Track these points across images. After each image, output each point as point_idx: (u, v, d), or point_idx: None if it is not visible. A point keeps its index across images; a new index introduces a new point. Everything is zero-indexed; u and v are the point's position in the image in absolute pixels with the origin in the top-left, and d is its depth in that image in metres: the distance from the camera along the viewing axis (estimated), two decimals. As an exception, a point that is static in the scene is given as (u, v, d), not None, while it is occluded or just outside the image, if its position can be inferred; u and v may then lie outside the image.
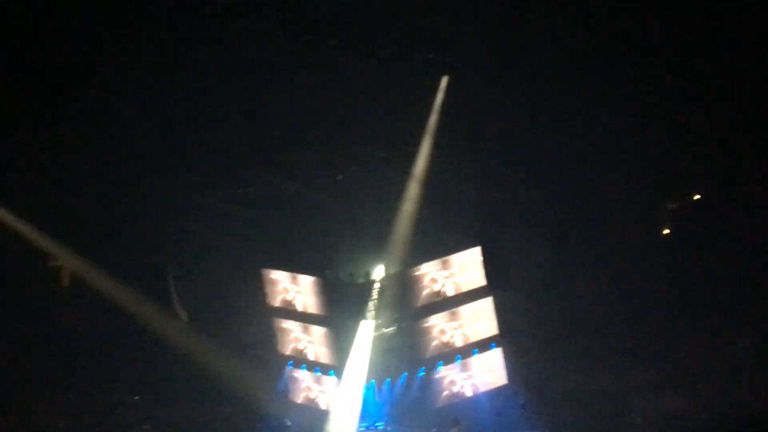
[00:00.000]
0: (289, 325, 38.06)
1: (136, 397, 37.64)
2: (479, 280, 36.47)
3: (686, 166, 34.73)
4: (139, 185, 35.55)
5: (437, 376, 37.01)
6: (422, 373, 36.95)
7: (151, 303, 36.86)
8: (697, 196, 35.91)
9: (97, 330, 37.89)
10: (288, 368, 38.36)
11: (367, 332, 36.26)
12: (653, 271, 35.88)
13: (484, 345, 36.90)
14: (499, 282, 36.51)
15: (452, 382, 37.15)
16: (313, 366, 37.81)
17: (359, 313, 36.29)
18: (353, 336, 36.21)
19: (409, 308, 36.82)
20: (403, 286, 36.60)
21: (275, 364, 38.34)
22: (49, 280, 37.00)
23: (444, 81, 34.10)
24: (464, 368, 36.98)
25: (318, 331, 37.47)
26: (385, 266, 36.47)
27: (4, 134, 32.72)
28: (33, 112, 32.10)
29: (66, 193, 34.75)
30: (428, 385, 37.03)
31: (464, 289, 36.60)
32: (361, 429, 35.90)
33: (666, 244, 36.15)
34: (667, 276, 35.75)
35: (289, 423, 36.63)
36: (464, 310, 36.74)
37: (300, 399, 38.35)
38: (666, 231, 36.22)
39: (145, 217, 36.55)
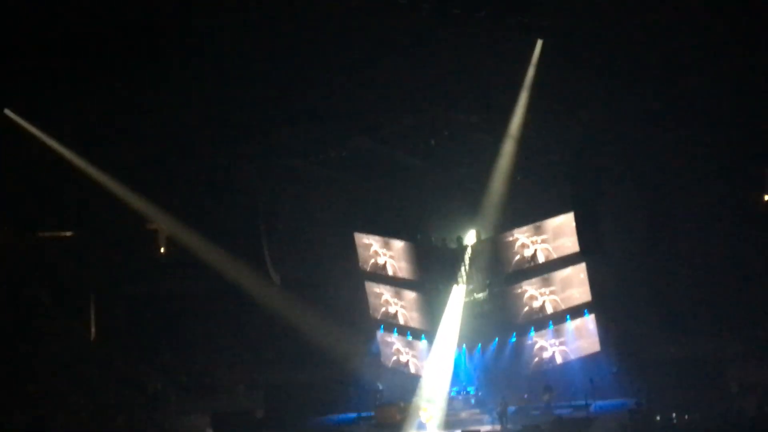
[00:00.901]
0: (381, 289, 38.34)
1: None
2: (572, 246, 36.12)
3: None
4: (235, 149, 35.98)
5: (529, 342, 36.98)
6: (514, 339, 36.96)
7: (246, 266, 37.45)
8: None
9: (193, 293, 38.69)
10: (380, 332, 38.71)
11: (458, 297, 36.32)
12: (753, 239, 35.22)
13: (576, 311, 36.65)
14: (592, 248, 36.14)
15: (544, 349, 37.04)
16: (404, 330, 38.08)
17: (451, 278, 36.34)
18: (445, 301, 36.33)
19: (501, 274, 36.75)
20: (495, 251, 36.54)
21: (367, 328, 38.72)
22: (148, 243, 37.98)
23: (539, 44, 33.65)
24: (556, 334, 36.82)
25: (409, 296, 37.65)
26: (477, 231, 36.44)
27: (106, 101, 33.32)
28: (135, 79, 32.60)
29: (163, 158, 35.32)
30: (520, 351, 37.04)
31: (557, 255, 36.34)
32: (452, 393, 36.04)
33: (760, 218, 35.45)
34: (760, 246, 35.06)
35: (380, 386, 36.92)
36: (557, 276, 36.51)
37: (391, 363, 38.68)
38: (766, 197, 35.60)
39: (241, 181, 37.05)
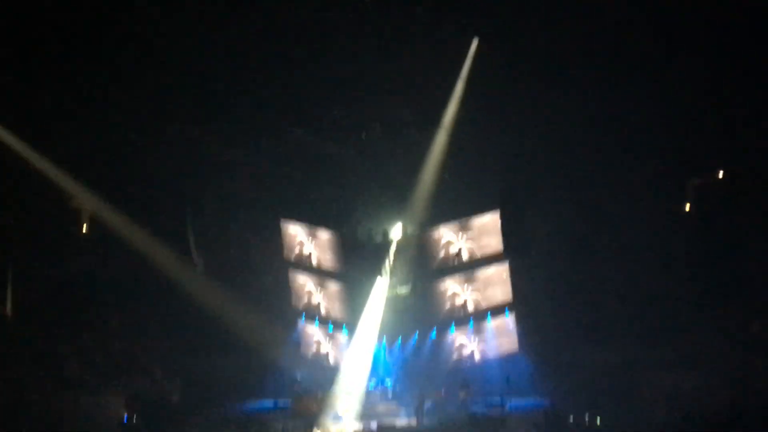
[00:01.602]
0: (305, 279, 38.26)
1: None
2: (497, 245, 36.51)
3: (712, 143, 34.55)
4: (165, 133, 35.56)
5: (449, 338, 37.27)
6: (434, 335, 37.20)
7: (169, 250, 37.08)
8: (720, 174, 35.81)
9: (113, 274, 38.11)
10: (301, 322, 38.63)
11: (381, 291, 36.46)
12: (673, 248, 35.85)
13: (498, 310, 37.07)
14: (516, 248, 36.57)
15: (463, 346, 37.36)
16: (325, 321, 38.07)
17: (375, 271, 36.45)
18: (367, 294, 36.43)
19: (425, 269, 36.96)
20: (420, 247, 36.73)
21: (288, 318, 38.60)
22: (71, 222, 37.36)
23: (474, 42, 33.87)
24: (476, 332, 37.16)
25: (332, 287, 37.65)
26: (404, 226, 36.55)
27: (32, 75, 32.70)
28: (65, 54, 32.09)
29: (93, 136, 34.75)
30: (439, 347, 37.30)
31: (481, 253, 36.69)
32: (370, 386, 36.12)
33: (687, 221, 36.09)
34: (686, 253, 35.73)
35: (299, 376, 36.86)
36: (480, 274, 36.87)
37: (311, 353, 38.63)
38: (688, 208, 36.20)
39: (168, 164, 36.61)
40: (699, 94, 33.54)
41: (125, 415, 33.85)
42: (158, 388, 36.25)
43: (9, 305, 37.08)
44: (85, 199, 36.41)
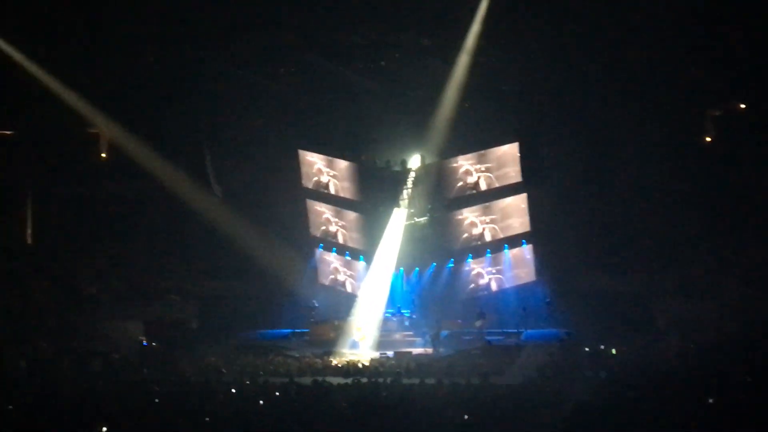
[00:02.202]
0: (322, 208, 38.35)
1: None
2: (515, 175, 36.47)
3: (732, 74, 34.16)
4: (183, 57, 35.38)
5: (466, 268, 37.38)
6: (451, 265, 37.30)
7: (187, 176, 37.19)
8: (742, 106, 35.48)
9: (132, 198, 38.30)
10: (318, 250, 38.81)
11: (399, 220, 36.43)
12: (690, 178, 35.70)
13: (515, 241, 37.15)
14: (534, 179, 36.50)
15: (480, 276, 37.49)
16: (343, 250, 38.23)
17: (393, 200, 36.41)
18: (385, 223, 36.43)
19: (443, 199, 36.95)
20: (438, 176, 36.65)
21: (306, 246, 38.77)
22: (89, 145, 37.45)
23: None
24: (493, 262, 37.25)
25: (350, 216, 37.72)
26: (422, 156, 36.44)
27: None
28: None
29: (108, 60, 34.61)
30: (456, 277, 37.42)
31: (499, 183, 36.65)
32: (387, 314, 36.35)
33: (705, 152, 35.88)
34: (703, 183, 35.58)
35: (316, 304, 37.11)
36: (498, 204, 36.87)
37: (328, 281, 38.89)
38: (707, 138, 35.95)
39: (187, 90, 36.52)
40: (718, 23, 33.01)
41: (143, 340, 34.22)
42: (177, 313, 36.64)
43: (29, 227, 37.41)
44: (104, 124, 36.47)
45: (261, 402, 21.71)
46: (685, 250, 35.70)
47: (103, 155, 37.78)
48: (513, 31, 34.76)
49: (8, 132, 37.27)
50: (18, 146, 37.23)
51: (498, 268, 37.32)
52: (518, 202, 36.83)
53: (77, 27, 33.75)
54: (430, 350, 33.64)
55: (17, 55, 34.11)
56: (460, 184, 36.69)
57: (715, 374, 24.99)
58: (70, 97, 35.04)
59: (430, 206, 36.87)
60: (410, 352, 33.34)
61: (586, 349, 31.42)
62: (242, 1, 33.22)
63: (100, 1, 33.04)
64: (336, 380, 28.43)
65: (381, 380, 27.66)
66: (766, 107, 34.53)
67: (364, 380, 27.81)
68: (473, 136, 36.51)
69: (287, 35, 34.87)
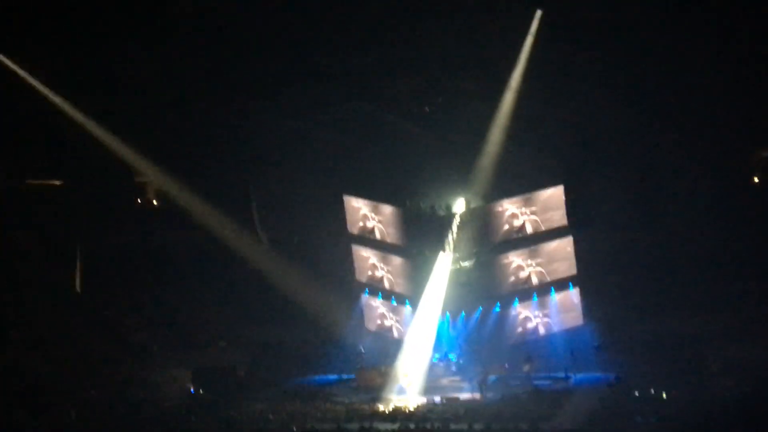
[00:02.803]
0: (368, 253, 38.43)
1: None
2: (561, 219, 36.36)
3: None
4: (229, 107, 35.82)
5: (513, 312, 37.17)
6: (498, 309, 37.11)
7: (235, 224, 37.48)
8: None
9: (180, 247, 38.68)
10: (364, 296, 38.82)
11: (444, 265, 36.36)
12: (741, 218, 35.31)
13: (561, 284, 36.93)
14: (580, 222, 36.34)
15: (527, 320, 37.25)
16: (389, 295, 38.21)
17: (438, 245, 36.34)
18: (431, 268, 36.36)
19: (488, 243, 36.82)
20: (483, 220, 36.58)
21: (352, 291, 38.81)
22: (137, 195, 37.95)
23: (538, 15, 33.56)
24: (540, 306, 37.03)
25: (396, 261, 37.75)
26: (467, 200, 36.41)
27: (104, 50, 33.11)
28: (134, 29, 32.40)
29: (160, 112, 35.15)
30: (503, 321, 37.19)
31: (545, 227, 36.51)
32: (434, 360, 36.17)
33: (755, 193, 35.54)
34: (754, 223, 35.17)
35: (362, 350, 37.08)
36: (544, 248, 36.71)
37: (374, 327, 38.84)
38: (756, 179, 35.63)
39: (233, 139, 36.98)
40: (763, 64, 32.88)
41: (191, 388, 34.34)
42: (224, 360, 36.74)
43: (78, 277, 37.82)
44: (152, 173, 36.97)
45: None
46: (736, 293, 35.20)
47: (152, 204, 38.29)
48: (557, 73, 34.84)
49: (58, 182, 37.87)
50: (67, 196, 37.79)
51: (545, 311, 37.09)
52: (564, 245, 36.66)
53: (126, 77, 34.32)
54: (477, 395, 33.37)
55: (66, 106, 34.76)
56: (506, 227, 36.60)
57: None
58: (118, 146, 35.62)
59: (475, 250, 36.79)
60: (458, 398, 33.11)
61: (636, 393, 31.12)
62: (288, 52, 33.62)
63: (148, 56, 33.52)
64: (383, 426, 28.49)
65: (429, 426, 27.59)
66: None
67: (412, 426, 27.76)
68: (518, 179, 36.47)
69: (332, 83, 35.19)
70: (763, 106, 33.70)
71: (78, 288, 37.97)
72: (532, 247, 36.79)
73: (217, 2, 31.84)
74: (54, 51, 33.18)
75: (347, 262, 38.74)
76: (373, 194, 37.68)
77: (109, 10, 32.29)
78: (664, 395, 30.49)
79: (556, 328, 37.10)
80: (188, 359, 35.99)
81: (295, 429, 25.80)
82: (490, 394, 33.15)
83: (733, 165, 35.81)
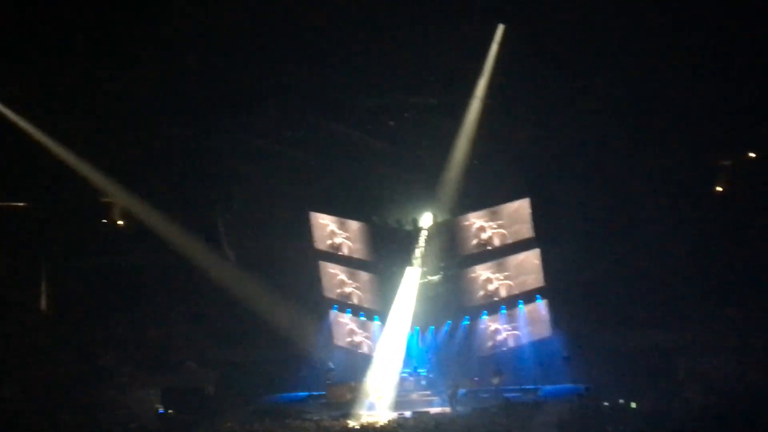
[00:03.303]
0: (335, 269, 38.36)
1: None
2: (527, 231, 36.47)
3: (742, 124, 34.31)
4: (193, 126, 35.76)
5: (481, 325, 37.23)
6: (466, 322, 37.17)
7: (201, 242, 37.34)
8: (752, 154, 35.57)
9: (147, 267, 38.48)
10: (333, 312, 38.74)
11: (412, 279, 36.39)
12: (706, 229, 35.63)
13: (529, 297, 37.03)
14: (547, 234, 36.49)
15: (496, 332, 37.32)
16: (357, 311, 38.17)
17: (405, 259, 36.40)
18: (399, 282, 36.39)
19: (456, 257, 36.90)
20: (450, 234, 36.65)
21: (320, 308, 38.72)
22: (103, 215, 37.71)
23: (500, 29, 33.79)
24: (509, 319, 37.12)
25: (364, 276, 37.73)
26: (434, 214, 36.48)
27: (64, 68, 32.91)
28: (95, 49, 32.25)
29: (123, 131, 35.02)
30: (472, 335, 37.25)
31: (511, 240, 36.63)
32: (404, 374, 36.10)
33: (720, 203, 35.88)
34: (720, 234, 35.50)
35: (332, 366, 36.94)
36: (511, 261, 36.81)
37: (343, 343, 38.75)
38: (720, 189, 35.98)
39: (200, 157, 36.89)
40: (729, 75, 33.26)
41: (161, 408, 34.15)
42: (193, 379, 36.58)
43: (44, 299, 37.51)
44: (116, 192, 36.76)
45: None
46: (704, 304, 35.44)
47: (118, 224, 38.08)
48: (521, 87, 35.01)
49: (21, 204, 37.58)
50: (31, 218, 37.49)
51: (513, 324, 37.18)
52: (531, 258, 36.75)
53: (89, 98, 34.15)
54: (447, 409, 33.44)
55: (29, 127, 34.51)
56: (473, 241, 36.69)
57: (738, 427, 24.92)
58: (82, 167, 35.40)
59: (443, 264, 36.84)
60: (428, 412, 33.14)
61: (606, 403, 31.30)
62: (251, 69, 33.58)
63: (112, 74, 33.38)
64: (354, 442, 28.50)
65: (399, 441, 27.64)
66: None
67: (382, 441, 27.81)
68: (484, 192, 36.57)
69: (295, 99, 35.22)
70: (724, 116, 34.10)
71: (44, 309, 37.68)
72: (500, 260, 36.86)
73: (179, 21, 31.70)
74: (14, 70, 32.90)
75: (315, 278, 38.63)
76: (340, 210, 37.64)
77: (71, 28, 32.10)
78: (633, 405, 30.72)
79: (525, 340, 37.13)
80: (157, 380, 35.83)
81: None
82: (460, 408, 33.19)
83: (698, 175, 36.09)
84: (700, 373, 32.72)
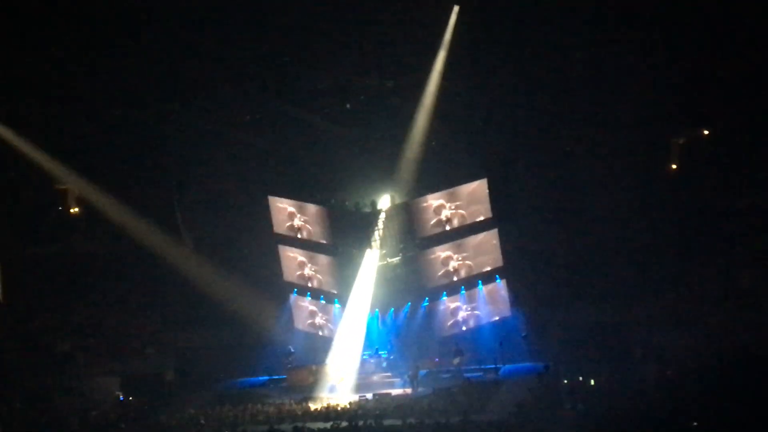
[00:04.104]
0: (295, 253, 38.28)
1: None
2: (485, 212, 36.59)
3: (696, 101, 34.61)
4: (148, 109, 35.48)
5: (441, 306, 37.35)
6: (426, 303, 37.25)
7: (158, 228, 37.11)
8: (705, 132, 35.89)
9: (103, 253, 38.21)
10: (293, 296, 38.69)
11: (371, 261, 36.42)
12: (659, 206, 35.95)
13: (488, 277, 37.17)
14: (504, 214, 36.65)
15: (456, 313, 37.46)
16: (317, 294, 38.13)
17: (364, 242, 36.38)
18: (358, 265, 36.40)
19: (415, 239, 36.92)
20: (408, 216, 36.66)
21: (280, 292, 38.64)
22: (57, 203, 37.35)
23: (455, 10, 33.81)
24: (468, 299, 37.26)
25: (323, 260, 37.69)
26: (392, 196, 36.52)
27: (18, 52, 32.50)
28: (48, 31, 31.86)
29: (74, 116, 34.67)
30: (432, 316, 37.36)
31: (470, 220, 36.75)
32: (364, 357, 36.22)
33: (673, 179, 36.21)
34: (673, 211, 35.84)
35: (292, 349, 36.91)
36: (470, 241, 36.92)
37: (304, 326, 38.72)
38: (674, 165, 36.30)
39: (154, 141, 36.65)
40: (685, 52, 33.53)
41: (120, 395, 34.02)
42: (152, 366, 36.43)
43: (0, 287, 37.14)
44: (71, 179, 36.42)
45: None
46: (659, 279, 35.81)
47: (73, 211, 37.72)
48: (475, 69, 35.16)
49: (-25, 192, 37.18)
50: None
51: (473, 304, 37.34)
52: (490, 238, 36.92)
53: (40, 83, 33.77)
54: (409, 390, 33.55)
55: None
56: (432, 222, 36.74)
57: (693, 401, 25.21)
58: (35, 154, 35.00)
59: (402, 246, 36.86)
60: (389, 393, 33.27)
61: (565, 381, 31.53)
62: (207, 53, 33.34)
63: (63, 57, 33.00)
64: (316, 425, 28.53)
65: (361, 423, 27.67)
66: (728, 132, 34.98)
67: (345, 424, 27.81)
68: (442, 174, 36.65)
69: (251, 84, 35.04)
70: (678, 94, 34.36)
71: (0, 298, 37.31)
72: (458, 241, 36.96)
73: (132, 5, 31.38)
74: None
75: (275, 262, 38.55)
76: (298, 194, 37.55)
77: (24, 12, 31.70)
78: (592, 382, 31.00)
79: (484, 320, 37.35)
80: (115, 367, 35.68)
81: (227, 432, 25.71)
82: (421, 389, 33.33)
83: (650, 153, 36.35)
84: (654, 349, 33.06)
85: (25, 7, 31.25)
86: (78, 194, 37.27)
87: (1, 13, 31.47)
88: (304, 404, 32.25)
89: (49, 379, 34.33)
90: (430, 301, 37.24)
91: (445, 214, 36.62)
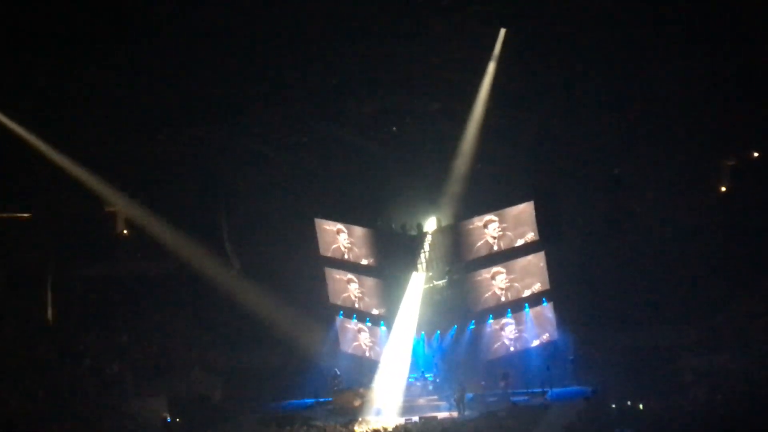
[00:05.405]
0: (341, 275, 38.38)
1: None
2: (532, 234, 36.45)
3: (746, 123, 34.27)
4: (197, 131, 35.79)
5: (487, 329, 37.19)
6: (472, 326, 37.15)
7: (205, 250, 37.37)
8: (755, 154, 35.53)
9: (151, 275, 38.58)
10: (339, 318, 38.76)
11: (418, 284, 36.41)
12: (709, 229, 35.62)
13: (535, 300, 37.01)
14: (552, 237, 36.47)
15: (502, 336, 37.29)
16: (363, 316, 38.16)
17: (410, 264, 36.35)
18: (404, 287, 36.41)
19: (461, 261, 36.87)
20: (455, 238, 36.62)
21: (326, 314, 38.73)
22: (106, 224, 37.77)
23: (502, 33, 33.75)
24: (515, 322, 37.09)
25: (369, 282, 37.73)
26: (438, 218, 36.49)
27: (67, 79, 32.95)
28: (95, 57, 32.22)
29: (125, 140, 35.09)
30: (478, 338, 37.23)
31: (516, 243, 36.61)
32: (410, 379, 36.14)
33: (723, 202, 35.85)
34: (722, 233, 35.48)
35: (338, 372, 36.91)
36: (516, 264, 36.79)
37: (350, 348, 38.76)
38: (723, 189, 35.96)
39: (203, 164, 36.98)
40: (733, 74, 33.20)
41: (167, 416, 34.13)
42: (199, 387, 36.58)
43: (50, 309, 37.56)
44: (121, 201, 36.85)
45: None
46: (708, 302, 35.43)
47: (122, 233, 38.16)
48: (522, 90, 34.99)
49: (25, 215, 37.64)
50: (35, 228, 37.54)
51: (520, 327, 37.15)
52: (537, 261, 36.77)
53: (92, 107, 34.17)
54: (455, 413, 33.44)
55: (31, 138, 34.51)
56: (478, 244, 36.65)
57: (744, 426, 24.83)
58: (85, 176, 35.44)
59: (448, 269, 36.80)
60: (435, 417, 33.16)
61: (613, 405, 31.21)
62: (254, 75, 33.55)
63: (114, 83, 33.37)
64: (362, 448, 28.48)
65: (407, 446, 27.61)
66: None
67: (390, 446, 27.78)
68: (488, 196, 36.58)
69: (298, 106, 35.22)
70: (728, 116, 34.05)
71: (50, 319, 37.72)
72: (505, 264, 36.83)
73: (178, 28, 31.65)
74: (14, 80, 32.89)
75: (321, 284, 38.64)
76: (344, 216, 37.66)
77: (71, 37, 32.06)
78: (641, 406, 30.62)
79: (531, 343, 37.15)
80: (163, 387, 35.84)
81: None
82: (467, 412, 33.22)
83: (701, 175, 36.06)
84: (704, 373, 32.62)
85: (80, 31, 31.59)
86: (127, 216, 37.75)
87: (54, 38, 31.90)
88: (350, 427, 32.27)
89: (98, 400, 34.52)
90: (476, 323, 37.11)
91: (492, 236, 36.52)
